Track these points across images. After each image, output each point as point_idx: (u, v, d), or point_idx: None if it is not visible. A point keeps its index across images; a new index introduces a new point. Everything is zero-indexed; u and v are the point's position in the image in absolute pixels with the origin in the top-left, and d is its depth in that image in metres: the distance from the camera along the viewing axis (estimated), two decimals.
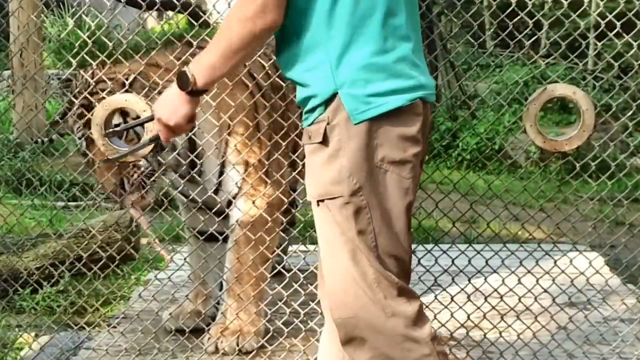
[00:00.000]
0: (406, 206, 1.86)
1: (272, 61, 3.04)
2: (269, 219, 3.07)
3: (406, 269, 1.92)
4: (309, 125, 1.87)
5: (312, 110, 1.85)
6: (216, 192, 3.14)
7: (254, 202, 3.09)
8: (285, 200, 3.11)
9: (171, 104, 1.92)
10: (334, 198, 1.83)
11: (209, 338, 3.16)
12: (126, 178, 2.98)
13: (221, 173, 3.13)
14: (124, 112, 2.86)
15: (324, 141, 1.82)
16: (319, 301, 2.16)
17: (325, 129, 1.82)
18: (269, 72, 3.05)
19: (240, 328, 3.13)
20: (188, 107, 1.92)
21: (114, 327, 3.39)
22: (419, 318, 1.87)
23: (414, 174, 1.87)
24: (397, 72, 1.83)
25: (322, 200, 1.86)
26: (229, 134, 3.07)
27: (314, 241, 3.69)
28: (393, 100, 1.81)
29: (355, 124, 1.79)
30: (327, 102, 1.82)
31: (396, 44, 1.84)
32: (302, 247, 4.24)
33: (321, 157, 1.84)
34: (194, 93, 1.90)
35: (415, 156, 1.86)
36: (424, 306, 1.99)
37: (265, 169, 3.07)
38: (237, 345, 3.10)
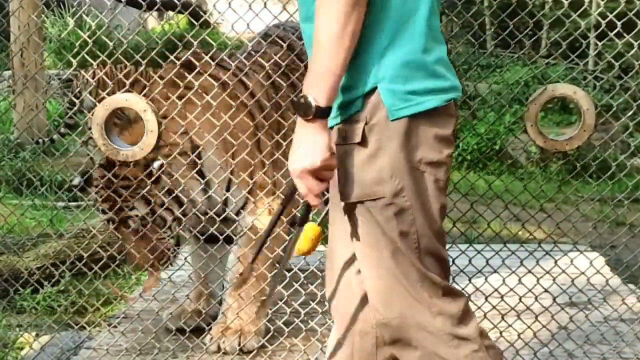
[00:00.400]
0: (440, 207, 1.84)
1: (270, 80, 3.05)
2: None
3: (446, 268, 1.91)
4: (341, 122, 1.80)
5: (347, 104, 1.78)
6: (225, 203, 3.16)
7: (260, 213, 3.12)
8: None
9: (305, 144, 1.72)
10: (375, 199, 1.78)
11: (211, 338, 3.16)
12: (159, 260, 3.01)
13: (228, 189, 3.14)
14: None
15: (362, 142, 1.77)
16: (319, 301, 2.16)
17: (364, 130, 1.76)
18: (268, 91, 3.09)
19: (241, 328, 3.14)
20: (323, 135, 1.72)
21: (115, 326, 3.39)
22: (465, 315, 1.86)
23: (448, 175, 1.85)
24: (435, 72, 1.80)
25: (362, 202, 1.80)
26: (232, 157, 3.07)
27: None
28: (431, 100, 1.78)
29: (393, 121, 1.75)
30: (365, 97, 1.76)
31: (435, 45, 1.82)
32: None
33: (358, 158, 1.78)
34: (321, 114, 1.70)
35: (450, 157, 1.84)
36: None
37: (270, 183, 3.10)
38: (239, 345, 3.11)
